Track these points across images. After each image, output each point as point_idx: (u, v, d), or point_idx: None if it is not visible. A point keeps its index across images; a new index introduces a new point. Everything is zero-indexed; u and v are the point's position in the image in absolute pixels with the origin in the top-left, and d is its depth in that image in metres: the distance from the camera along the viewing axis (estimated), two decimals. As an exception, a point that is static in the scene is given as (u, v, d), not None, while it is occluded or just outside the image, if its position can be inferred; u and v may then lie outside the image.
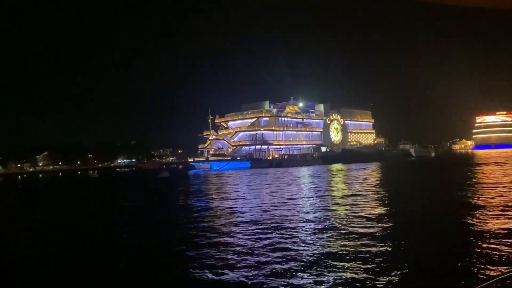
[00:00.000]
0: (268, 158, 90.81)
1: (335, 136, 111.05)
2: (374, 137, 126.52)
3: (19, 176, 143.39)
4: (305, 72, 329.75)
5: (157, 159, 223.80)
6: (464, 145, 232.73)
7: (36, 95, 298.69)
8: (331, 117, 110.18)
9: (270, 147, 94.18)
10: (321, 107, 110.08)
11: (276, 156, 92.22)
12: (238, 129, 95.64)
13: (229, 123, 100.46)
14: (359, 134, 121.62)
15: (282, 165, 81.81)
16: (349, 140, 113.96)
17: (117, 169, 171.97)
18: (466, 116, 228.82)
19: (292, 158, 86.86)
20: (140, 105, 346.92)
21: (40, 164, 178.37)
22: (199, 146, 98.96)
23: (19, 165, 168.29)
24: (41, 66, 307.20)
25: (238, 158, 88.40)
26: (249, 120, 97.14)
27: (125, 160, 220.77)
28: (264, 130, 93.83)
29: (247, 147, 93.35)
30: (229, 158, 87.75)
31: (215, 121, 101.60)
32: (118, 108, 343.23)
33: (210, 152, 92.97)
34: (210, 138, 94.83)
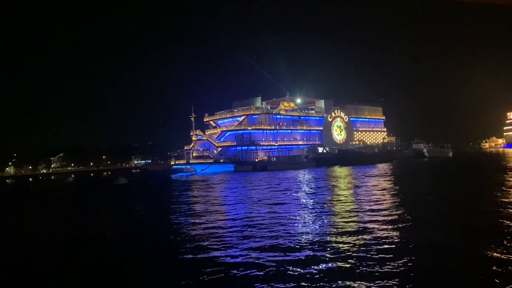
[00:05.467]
0: (256, 160, 78.23)
1: (338, 135, 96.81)
2: (385, 136, 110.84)
3: (30, 178, 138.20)
4: (305, 66, 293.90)
5: (174, 159, 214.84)
6: (495, 144, 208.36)
7: (56, 98, 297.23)
8: (333, 114, 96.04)
9: (260, 148, 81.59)
10: (321, 103, 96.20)
11: (265, 158, 79.15)
12: (225, 128, 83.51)
13: (218, 122, 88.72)
14: (368, 133, 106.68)
15: (267, 168, 69.08)
16: (356, 139, 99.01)
17: (132, 170, 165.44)
18: (496, 111, 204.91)
19: (279, 161, 73.55)
20: (158, 106, 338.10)
21: (53, 166, 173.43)
22: (185, 147, 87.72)
23: (30, 167, 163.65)
24: (60, 69, 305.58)
25: (222, 161, 76.55)
26: (239, 119, 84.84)
27: (140, 161, 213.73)
28: (252, 129, 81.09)
29: (234, 149, 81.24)
30: (211, 161, 75.98)
31: (204, 120, 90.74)
32: (138, 110, 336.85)
33: (194, 154, 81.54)
34: (194, 138, 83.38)
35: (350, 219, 14.58)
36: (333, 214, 16.23)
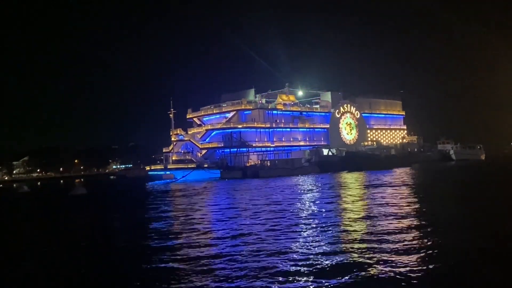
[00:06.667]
0: (247, 165, 75.26)
1: (348, 134, 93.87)
2: (405, 135, 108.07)
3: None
4: (309, 52, 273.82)
5: (158, 162, 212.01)
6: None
7: (21, 94, 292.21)
8: (341, 109, 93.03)
9: (253, 150, 79.01)
10: (327, 96, 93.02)
11: (258, 162, 76.08)
12: (210, 127, 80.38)
13: (204, 119, 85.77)
14: (384, 132, 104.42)
15: (259, 174, 66.31)
16: (369, 139, 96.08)
17: (111, 177, 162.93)
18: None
19: (274, 165, 70.54)
20: (141, 101, 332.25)
21: (16, 172, 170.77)
22: (163, 150, 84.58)
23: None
24: (27, 62, 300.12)
25: (206, 166, 73.76)
26: (227, 115, 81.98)
27: (120, 166, 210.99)
28: (243, 127, 78.08)
29: (221, 151, 78.38)
30: (193, 166, 73.13)
31: (187, 117, 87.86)
32: (118, 106, 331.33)
33: (173, 158, 78.47)
34: (174, 139, 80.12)
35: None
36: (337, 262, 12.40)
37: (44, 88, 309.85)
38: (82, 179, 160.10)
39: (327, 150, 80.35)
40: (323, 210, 22.52)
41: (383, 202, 24.13)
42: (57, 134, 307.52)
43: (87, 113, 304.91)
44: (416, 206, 21.90)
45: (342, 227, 16.87)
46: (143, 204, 34.59)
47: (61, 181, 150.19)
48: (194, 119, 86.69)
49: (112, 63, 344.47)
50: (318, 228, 16.73)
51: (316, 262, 11.55)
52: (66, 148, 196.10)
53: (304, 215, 21.03)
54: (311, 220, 18.94)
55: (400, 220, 17.49)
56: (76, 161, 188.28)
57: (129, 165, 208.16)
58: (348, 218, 19.09)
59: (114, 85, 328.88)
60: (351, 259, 11.68)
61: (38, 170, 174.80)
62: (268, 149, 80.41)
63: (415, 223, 16.67)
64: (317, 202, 26.77)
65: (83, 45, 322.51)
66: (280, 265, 11.46)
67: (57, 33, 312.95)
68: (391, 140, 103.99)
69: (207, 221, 21.79)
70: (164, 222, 21.92)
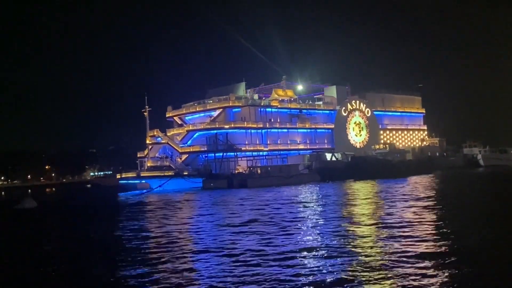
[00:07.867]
0: (236, 172, 73.83)
1: (357, 135, 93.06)
2: (425, 136, 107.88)
3: None
4: (311, 40, 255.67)
5: (143, 169, 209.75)
6: None
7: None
8: (349, 106, 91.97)
9: (242, 154, 77.26)
10: (332, 91, 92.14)
11: (247, 169, 73.78)
12: (192, 127, 78.32)
13: (186, 118, 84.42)
14: (400, 133, 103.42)
15: (247, 184, 65.08)
16: (382, 141, 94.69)
17: (87, 185, 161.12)
18: None
19: (266, 173, 68.26)
20: (120, 100, 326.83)
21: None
22: (138, 155, 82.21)
23: None
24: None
25: (186, 173, 72.00)
26: (213, 113, 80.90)
27: (98, 172, 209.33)
28: (230, 127, 75.94)
29: (205, 155, 76.84)
30: (170, 174, 71.25)
31: (166, 115, 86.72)
32: (95, 104, 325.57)
33: (148, 164, 76.03)
34: (149, 141, 77.68)
35: None
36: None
37: (9, 84, 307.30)
38: (53, 189, 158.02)
39: (330, 154, 79.21)
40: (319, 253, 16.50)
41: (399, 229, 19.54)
42: (25, 137, 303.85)
43: (60, 112, 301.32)
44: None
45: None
46: (94, 224, 32.39)
47: (29, 190, 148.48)
48: (174, 118, 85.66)
49: (84, 51, 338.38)
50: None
51: None
52: (35, 152, 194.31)
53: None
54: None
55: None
56: (47, 167, 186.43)
57: (109, 172, 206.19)
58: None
59: (90, 79, 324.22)
60: None
61: (2, 178, 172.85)
62: (261, 153, 79.02)
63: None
64: (309, 237, 21.10)
65: (49, 37, 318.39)
66: None
67: (23, 26, 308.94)
68: (409, 143, 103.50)
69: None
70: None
